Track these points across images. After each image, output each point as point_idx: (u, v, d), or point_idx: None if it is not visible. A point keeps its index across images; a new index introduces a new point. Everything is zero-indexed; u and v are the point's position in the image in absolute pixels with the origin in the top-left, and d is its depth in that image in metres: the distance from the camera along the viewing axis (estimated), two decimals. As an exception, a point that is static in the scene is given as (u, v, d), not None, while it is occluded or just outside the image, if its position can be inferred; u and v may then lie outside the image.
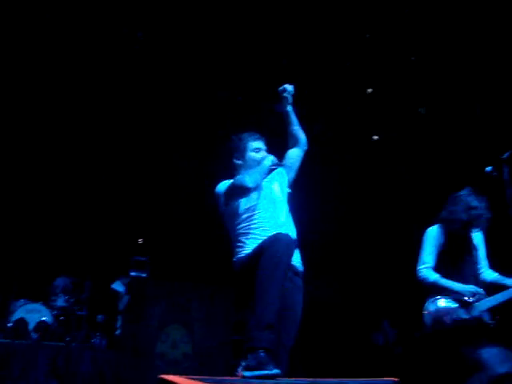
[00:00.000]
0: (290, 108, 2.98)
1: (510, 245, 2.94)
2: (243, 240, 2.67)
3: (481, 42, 5.12)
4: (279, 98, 3.00)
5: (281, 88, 2.98)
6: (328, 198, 6.57)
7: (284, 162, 2.98)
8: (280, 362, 2.36)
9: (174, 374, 2.19)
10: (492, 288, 3.29)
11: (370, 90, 6.53)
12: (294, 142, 3.00)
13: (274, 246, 2.39)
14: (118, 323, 6.24)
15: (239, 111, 6.15)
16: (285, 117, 3.00)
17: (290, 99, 2.97)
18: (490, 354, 0.74)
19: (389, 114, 6.33)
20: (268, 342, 2.22)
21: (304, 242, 2.94)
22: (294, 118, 2.99)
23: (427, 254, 3.35)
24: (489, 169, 3.25)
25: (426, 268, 3.31)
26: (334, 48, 5.84)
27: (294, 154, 2.99)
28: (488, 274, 3.39)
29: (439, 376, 0.77)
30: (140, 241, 7.00)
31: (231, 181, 2.82)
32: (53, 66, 5.51)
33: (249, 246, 2.61)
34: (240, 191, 2.72)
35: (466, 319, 3.02)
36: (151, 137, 6.42)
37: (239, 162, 2.93)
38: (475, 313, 3.09)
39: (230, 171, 2.98)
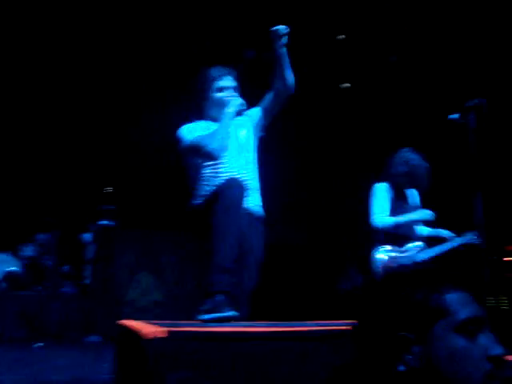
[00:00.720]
0: (283, 50, 2.72)
1: (470, 193, 2.99)
2: (203, 186, 2.64)
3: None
4: (272, 40, 2.84)
5: (273, 29, 2.77)
6: (295, 144, 6.55)
7: (263, 104, 2.85)
8: (240, 305, 2.40)
9: (143, 320, 2.20)
10: (428, 241, 3.47)
11: (341, 37, 6.42)
12: (281, 86, 2.77)
13: (225, 192, 2.38)
14: (86, 272, 6.23)
15: (208, 60, 5.98)
16: (277, 59, 2.76)
17: (284, 40, 2.72)
18: (453, 300, 0.76)
19: (360, 61, 6.26)
20: (225, 286, 2.24)
21: (270, 186, 2.93)
22: (286, 61, 2.75)
23: (380, 204, 3.44)
24: (454, 116, 3.26)
25: (382, 215, 3.42)
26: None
27: (277, 99, 2.81)
28: (422, 230, 3.55)
29: (402, 322, 0.77)
30: (108, 189, 6.90)
31: (196, 133, 2.70)
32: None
33: (207, 193, 2.59)
34: (204, 155, 2.63)
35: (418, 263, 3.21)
36: (119, 87, 6.22)
37: (204, 102, 2.83)
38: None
39: (197, 110, 2.88)
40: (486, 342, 0.92)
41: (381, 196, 3.47)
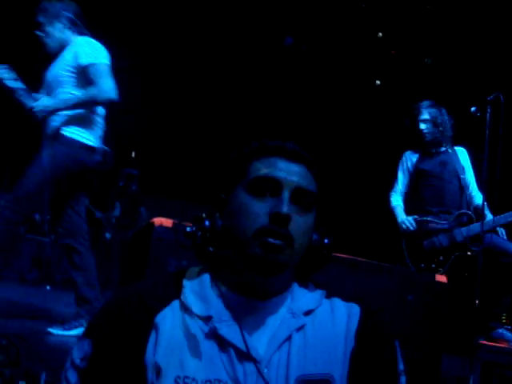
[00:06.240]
0: None
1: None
2: None
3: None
4: None
5: None
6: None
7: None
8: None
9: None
10: None
11: (380, 34, 6.54)
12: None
13: None
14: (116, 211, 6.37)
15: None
16: None
17: None
18: (255, 163, 0.83)
19: (395, 61, 6.37)
20: None
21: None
22: None
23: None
24: (473, 109, 3.36)
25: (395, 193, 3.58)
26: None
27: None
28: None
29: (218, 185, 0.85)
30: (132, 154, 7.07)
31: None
32: None
33: None
34: None
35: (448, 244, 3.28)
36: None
37: None
38: (459, 238, 3.33)
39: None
40: (275, 202, 0.92)
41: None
